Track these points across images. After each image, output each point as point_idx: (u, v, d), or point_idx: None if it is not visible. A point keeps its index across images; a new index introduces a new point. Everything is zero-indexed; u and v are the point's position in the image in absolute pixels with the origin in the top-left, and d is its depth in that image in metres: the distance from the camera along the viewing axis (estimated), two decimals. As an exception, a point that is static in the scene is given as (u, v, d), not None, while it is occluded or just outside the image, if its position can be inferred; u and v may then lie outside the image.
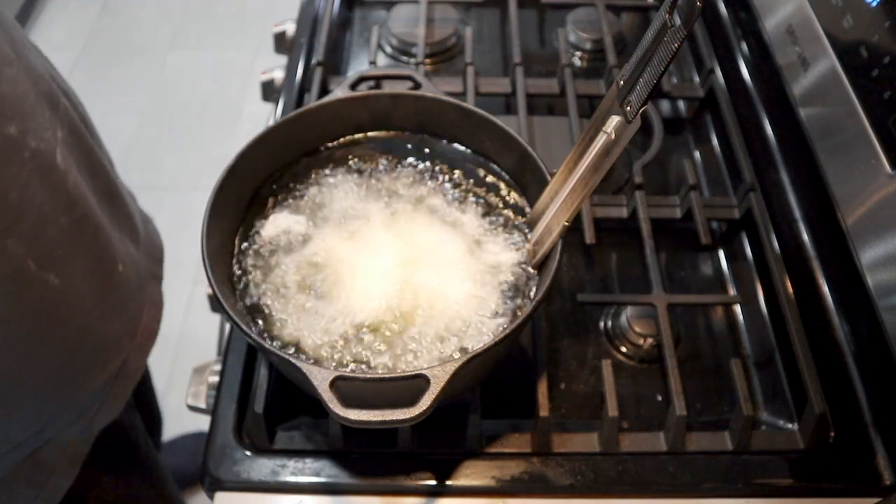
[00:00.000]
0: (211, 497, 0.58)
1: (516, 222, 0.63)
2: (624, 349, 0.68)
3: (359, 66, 0.93)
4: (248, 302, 0.58)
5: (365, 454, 0.59)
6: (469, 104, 0.66)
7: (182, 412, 0.75)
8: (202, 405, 0.69)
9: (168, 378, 1.59)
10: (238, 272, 0.60)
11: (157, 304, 0.78)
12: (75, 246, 0.61)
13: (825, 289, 0.68)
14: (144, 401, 1.15)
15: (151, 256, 0.80)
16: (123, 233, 0.72)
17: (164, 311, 0.79)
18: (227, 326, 0.72)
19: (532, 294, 0.58)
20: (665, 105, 0.90)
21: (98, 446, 0.72)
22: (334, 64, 0.91)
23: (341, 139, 0.68)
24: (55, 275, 0.58)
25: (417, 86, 0.69)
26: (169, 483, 1.00)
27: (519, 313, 0.56)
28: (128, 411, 0.81)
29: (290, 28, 0.96)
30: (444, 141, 0.68)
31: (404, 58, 0.92)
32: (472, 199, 0.64)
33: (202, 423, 0.64)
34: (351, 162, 0.67)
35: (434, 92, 0.67)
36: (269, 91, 0.95)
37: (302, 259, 0.60)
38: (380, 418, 0.45)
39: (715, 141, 0.84)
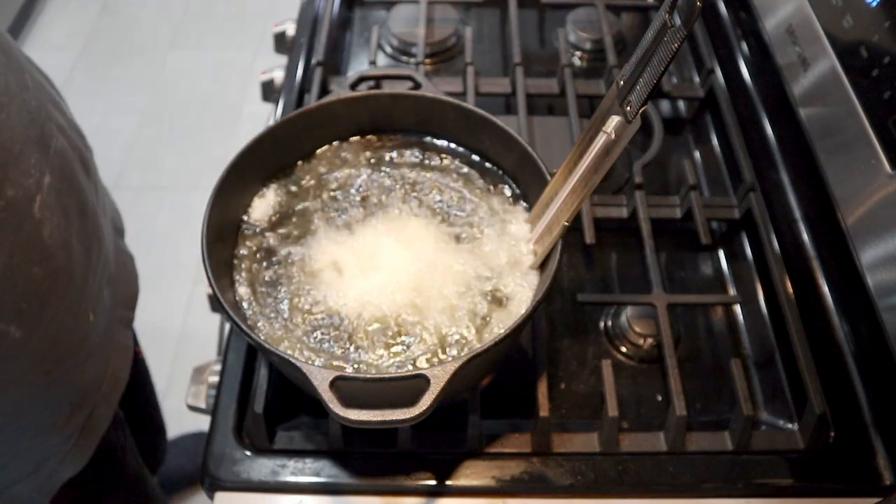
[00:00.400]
0: (211, 497, 0.58)
1: (515, 222, 0.63)
2: (624, 349, 0.68)
3: (359, 66, 0.93)
4: (248, 301, 0.58)
5: (365, 454, 0.59)
6: (469, 104, 0.66)
7: (182, 412, 0.75)
8: (202, 405, 0.69)
9: (168, 378, 1.58)
10: (238, 272, 0.60)
11: (125, 350, 0.75)
12: (45, 298, 0.58)
13: (825, 289, 0.68)
14: (145, 412, 1.13)
15: (123, 300, 0.76)
16: (103, 277, 0.69)
17: (140, 347, 0.76)
18: (227, 326, 0.72)
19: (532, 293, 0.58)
20: (665, 105, 0.90)
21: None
22: (334, 64, 0.91)
23: (341, 139, 0.68)
24: (17, 327, 0.56)
25: (417, 86, 0.69)
26: (156, 499, 0.97)
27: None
28: (114, 429, 0.79)
29: (290, 28, 0.96)
30: (444, 141, 0.68)
31: (404, 58, 0.92)
32: (470, 199, 0.64)
33: (202, 423, 0.64)
34: (350, 162, 0.67)
35: (434, 92, 0.67)
36: (269, 91, 0.95)
37: (301, 259, 0.60)
38: (380, 418, 0.45)
39: (715, 141, 0.84)
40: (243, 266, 0.60)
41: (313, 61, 0.86)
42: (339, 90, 0.67)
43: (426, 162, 0.67)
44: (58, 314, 0.60)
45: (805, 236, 0.71)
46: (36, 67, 0.67)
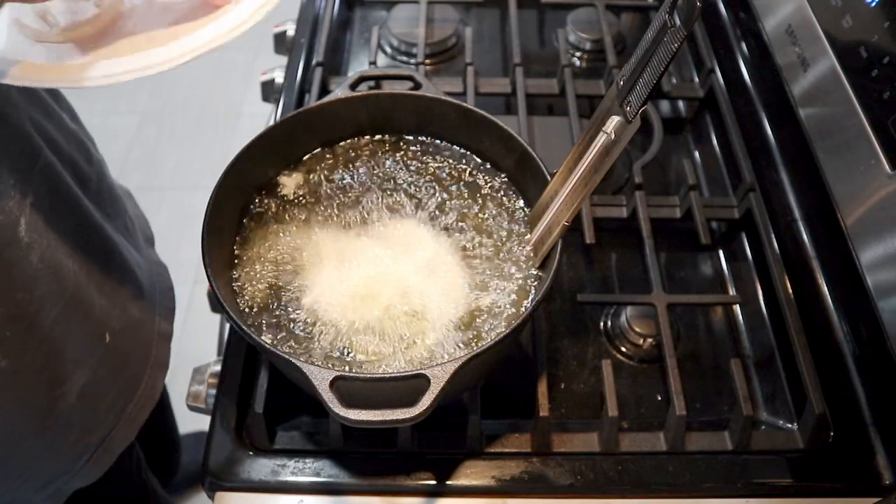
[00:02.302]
0: (211, 497, 0.58)
1: (515, 223, 0.63)
2: (624, 349, 0.68)
3: (359, 66, 0.93)
4: (248, 301, 0.58)
5: (365, 454, 0.59)
6: (469, 104, 0.66)
7: (182, 412, 0.75)
8: (202, 405, 0.69)
9: (168, 378, 1.58)
10: (238, 272, 0.60)
11: (161, 367, 0.73)
12: (31, 323, 0.56)
13: (825, 289, 0.67)
14: (162, 428, 1.11)
15: (162, 313, 0.74)
16: (121, 293, 0.67)
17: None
18: (227, 326, 0.72)
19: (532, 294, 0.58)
20: (665, 105, 0.90)
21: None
22: (334, 64, 0.91)
23: (341, 139, 0.68)
24: (2, 356, 0.54)
25: (417, 86, 0.69)
26: None
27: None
28: (128, 449, 0.77)
29: (290, 28, 0.96)
30: (444, 141, 0.68)
31: (404, 58, 0.92)
32: (470, 199, 0.64)
33: (202, 423, 0.64)
34: (350, 163, 0.67)
35: (434, 92, 0.67)
36: (269, 91, 0.95)
37: (300, 259, 0.60)
38: (380, 418, 0.45)
39: (715, 141, 0.84)
40: (243, 265, 0.60)
41: (313, 61, 0.86)
42: (339, 90, 0.67)
43: (425, 162, 0.67)
44: (48, 338, 0.58)
45: (805, 236, 0.71)
46: None
